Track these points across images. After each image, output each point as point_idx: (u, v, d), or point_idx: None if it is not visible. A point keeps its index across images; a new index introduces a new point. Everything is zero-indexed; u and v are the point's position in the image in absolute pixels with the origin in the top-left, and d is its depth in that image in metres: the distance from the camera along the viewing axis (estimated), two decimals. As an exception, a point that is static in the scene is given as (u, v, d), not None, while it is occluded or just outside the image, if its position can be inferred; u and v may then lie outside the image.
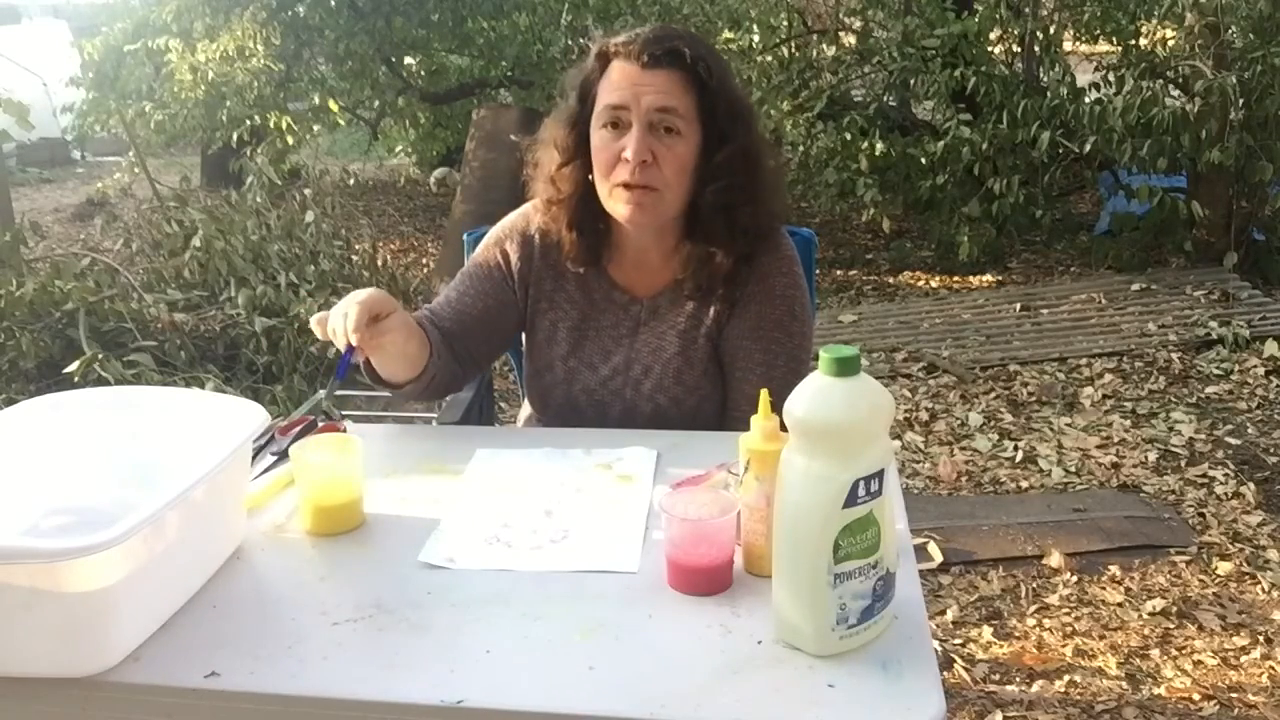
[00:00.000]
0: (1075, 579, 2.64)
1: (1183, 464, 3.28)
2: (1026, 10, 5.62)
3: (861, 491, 0.93)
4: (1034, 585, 2.63)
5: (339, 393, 1.44)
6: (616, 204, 1.48)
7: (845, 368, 0.94)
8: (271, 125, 6.38)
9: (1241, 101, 4.54)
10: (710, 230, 1.51)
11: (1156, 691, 2.22)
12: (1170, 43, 5.46)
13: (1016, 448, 3.43)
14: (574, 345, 1.60)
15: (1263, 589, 2.59)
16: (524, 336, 1.68)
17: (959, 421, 3.69)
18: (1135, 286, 4.85)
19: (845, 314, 4.93)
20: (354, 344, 1.31)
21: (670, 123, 1.44)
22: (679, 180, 1.47)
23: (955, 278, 5.42)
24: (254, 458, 1.36)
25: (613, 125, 1.46)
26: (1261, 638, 2.38)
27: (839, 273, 5.74)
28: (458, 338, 1.58)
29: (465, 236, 1.84)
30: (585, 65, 1.52)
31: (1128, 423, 3.61)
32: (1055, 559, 2.70)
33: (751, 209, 1.51)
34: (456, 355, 1.58)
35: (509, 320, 1.64)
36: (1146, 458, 3.33)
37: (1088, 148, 4.91)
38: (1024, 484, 3.20)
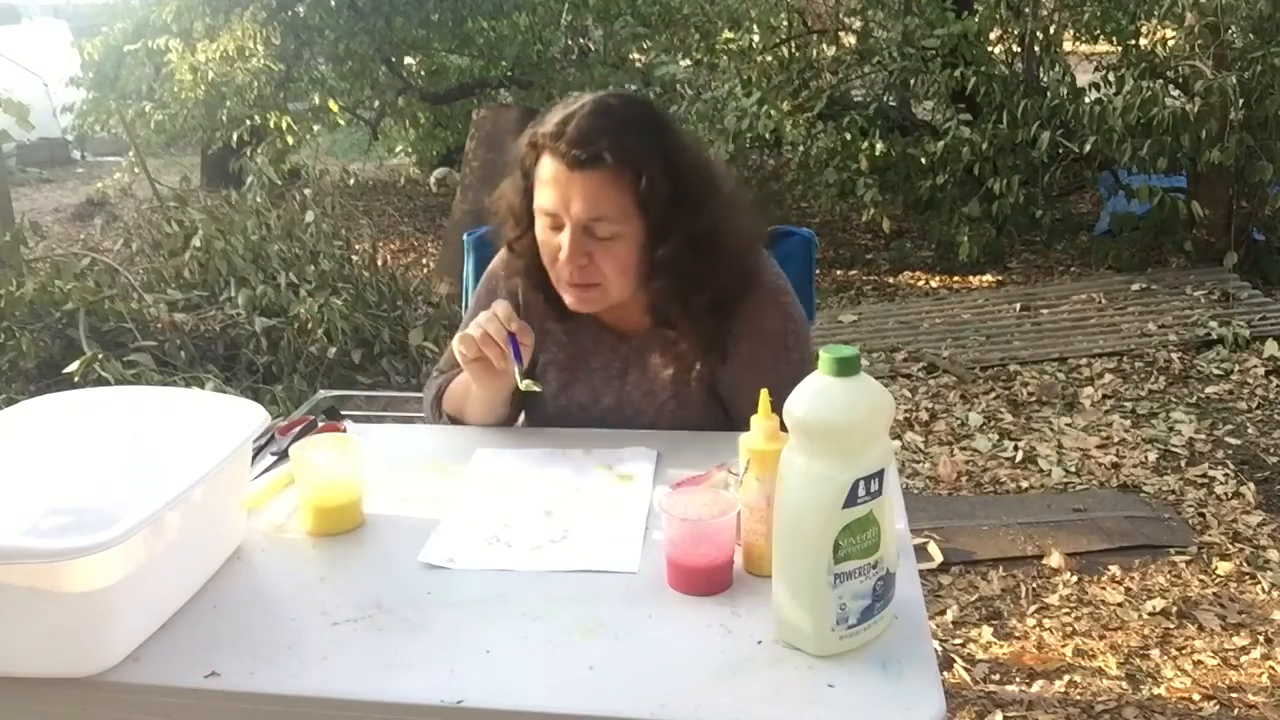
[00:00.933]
0: (1075, 579, 2.64)
1: (1183, 464, 3.28)
2: (1026, 10, 5.61)
3: (861, 491, 0.93)
4: (1034, 585, 2.63)
5: (341, 394, 1.45)
6: (563, 293, 1.46)
7: (845, 368, 0.94)
8: (271, 125, 6.39)
9: (1241, 101, 4.53)
10: (668, 315, 1.48)
11: (1156, 691, 2.22)
12: (1170, 43, 5.46)
13: (1016, 448, 3.43)
14: (564, 385, 1.58)
15: (1263, 589, 2.59)
16: None
17: (959, 421, 3.69)
18: (1135, 286, 4.84)
19: (845, 314, 4.93)
20: (513, 330, 1.39)
21: (603, 230, 1.38)
22: (622, 276, 1.43)
23: (955, 278, 5.42)
24: (254, 458, 1.36)
25: (550, 225, 1.42)
26: (1261, 638, 2.38)
27: (839, 273, 5.73)
28: None
29: (465, 237, 1.83)
30: (520, 148, 1.45)
31: (1128, 423, 3.60)
32: (1055, 559, 2.70)
33: (707, 292, 1.45)
34: None
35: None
36: (1146, 458, 3.33)
37: (1088, 148, 4.91)
38: (1024, 484, 3.20)
